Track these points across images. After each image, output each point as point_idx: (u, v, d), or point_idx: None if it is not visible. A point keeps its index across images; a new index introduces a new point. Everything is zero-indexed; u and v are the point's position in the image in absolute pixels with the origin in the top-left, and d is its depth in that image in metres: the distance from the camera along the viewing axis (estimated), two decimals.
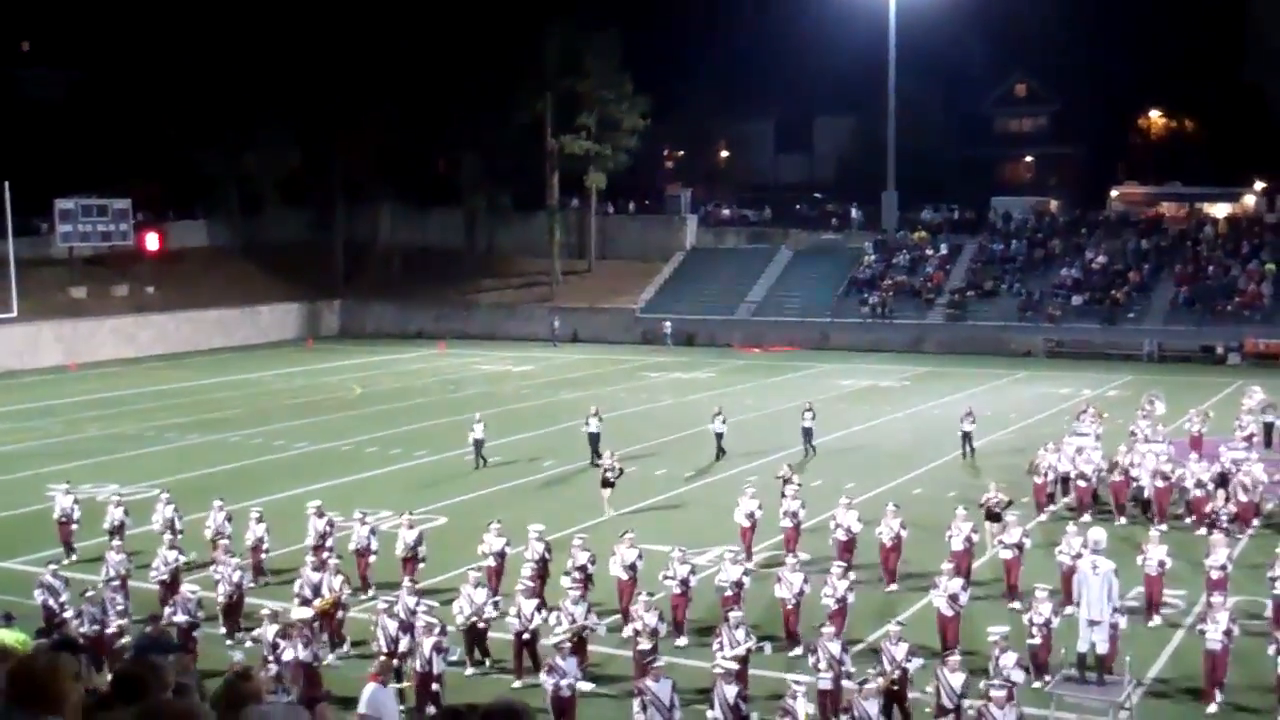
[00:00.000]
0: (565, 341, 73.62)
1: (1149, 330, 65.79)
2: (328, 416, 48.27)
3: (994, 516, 26.91)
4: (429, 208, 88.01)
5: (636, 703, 16.69)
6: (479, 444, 37.69)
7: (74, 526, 28.11)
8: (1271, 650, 19.11)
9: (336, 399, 53.30)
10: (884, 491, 33.60)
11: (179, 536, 26.39)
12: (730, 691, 16.87)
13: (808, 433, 39.28)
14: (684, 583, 22.66)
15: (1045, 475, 31.45)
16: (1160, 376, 57.49)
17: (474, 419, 38.59)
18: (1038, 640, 20.08)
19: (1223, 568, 23.22)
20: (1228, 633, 19.51)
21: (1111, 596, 19.65)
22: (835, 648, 18.46)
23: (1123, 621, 20.05)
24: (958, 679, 17.58)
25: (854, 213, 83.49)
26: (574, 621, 19.95)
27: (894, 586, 25.44)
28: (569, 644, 18.75)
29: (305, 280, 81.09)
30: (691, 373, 60.57)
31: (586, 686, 18.49)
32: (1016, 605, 22.95)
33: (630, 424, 45.08)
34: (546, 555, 24.21)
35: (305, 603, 21.70)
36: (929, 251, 76.21)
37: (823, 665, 18.33)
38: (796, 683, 16.78)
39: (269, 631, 19.52)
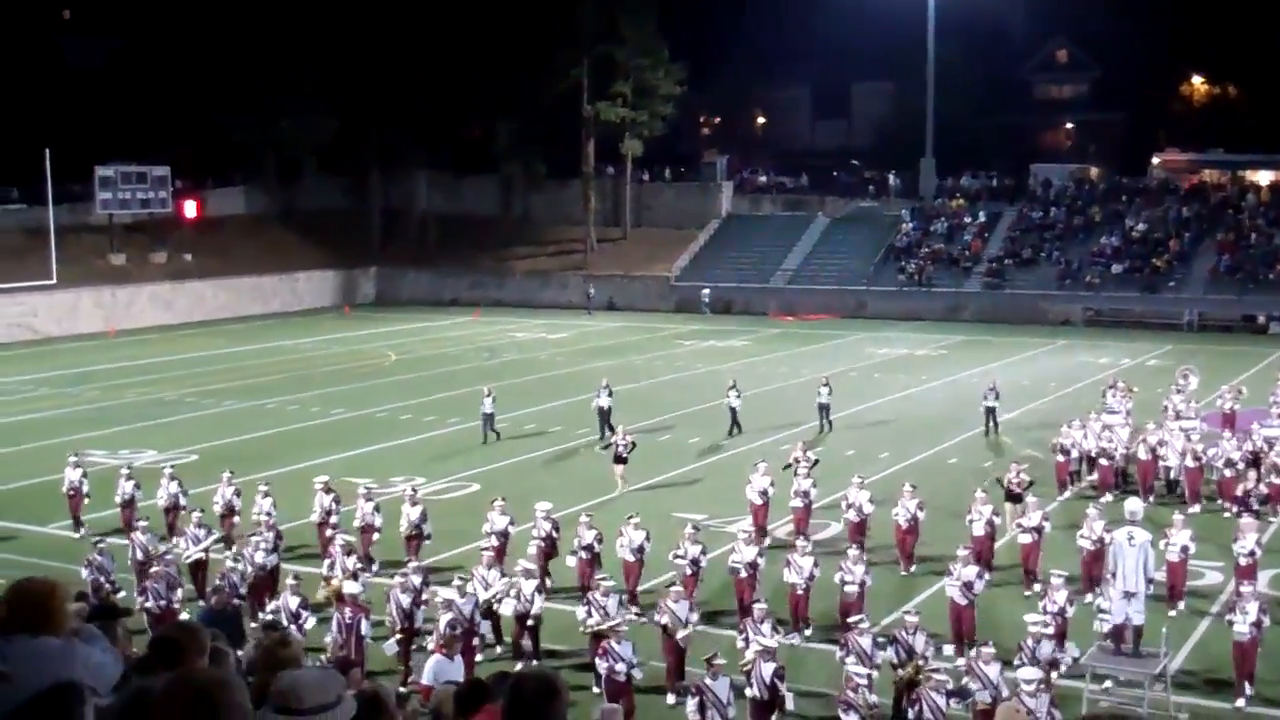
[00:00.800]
0: (600, 309, 73.59)
1: (1189, 299, 65.17)
2: (363, 383, 48.44)
3: (1014, 497, 26.11)
4: (464, 175, 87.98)
5: (694, 702, 16.15)
6: (489, 418, 36.74)
7: (85, 500, 27.67)
8: None
9: (372, 366, 53.50)
10: (918, 461, 33.57)
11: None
12: (768, 670, 16.67)
13: (824, 408, 38.44)
14: (695, 562, 22.18)
15: (1069, 453, 30.54)
16: (1200, 346, 57.14)
17: (484, 392, 37.77)
18: (1050, 630, 19.02)
19: (1251, 554, 22.23)
20: (1257, 624, 18.74)
21: (1148, 568, 19.49)
22: (866, 642, 17.70)
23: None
24: (993, 670, 16.65)
25: (892, 180, 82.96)
26: (606, 615, 18.98)
27: (911, 569, 24.60)
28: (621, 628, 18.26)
29: (342, 248, 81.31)
30: (726, 341, 60.45)
31: (638, 674, 17.95)
32: (1035, 589, 22.10)
33: (661, 392, 45.13)
34: (554, 534, 23.79)
35: (353, 577, 21.32)
36: (967, 219, 75.70)
37: (850, 661, 17.38)
38: (858, 674, 16.37)
39: (291, 601, 19.47)
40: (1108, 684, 18.66)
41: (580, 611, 19.53)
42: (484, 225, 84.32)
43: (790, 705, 16.83)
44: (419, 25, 78.57)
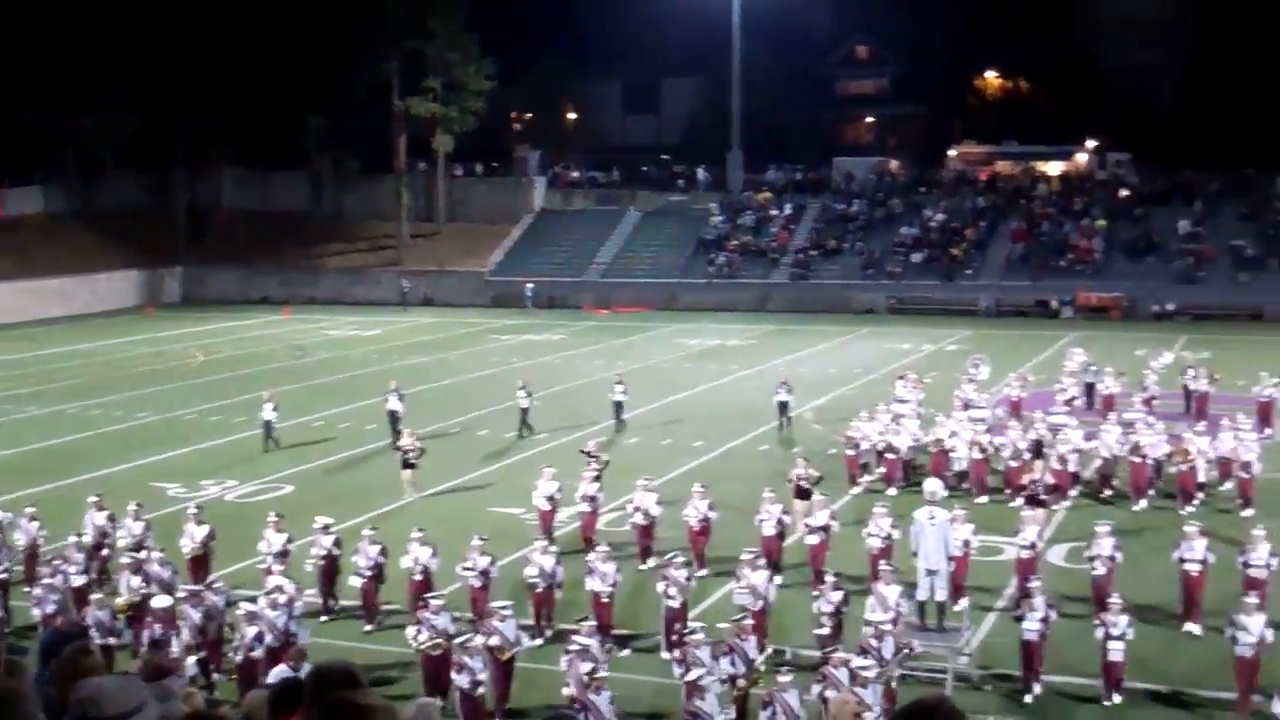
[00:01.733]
0: (416, 305, 73.30)
1: (986, 286, 67.67)
2: (170, 385, 47.50)
3: (803, 494, 25.46)
4: (274, 171, 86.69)
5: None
6: (268, 425, 35.16)
7: None
8: (1099, 634, 18.53)
9: (179, 367, 52.48)
10: (729, 450, 34.30)
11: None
12: (584, 668, 16.42)
13: (618, 406, 37.51)
14: (484, 574, 21.01)
15: (859, 446, 30.27)
16: (997, 331, 59.46)
17: (263, 398, 36.36)
18: (825, 630, 18.97)
19: (1031, 546, 22.25)
20: (1045, 619, 18.70)
21: (948, 546, 20.31)
22: (705, 653, 16.85)
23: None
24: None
25: (700, 174, 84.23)
26: (437, 631, 18.08)
27: (703, 572, 23.42)
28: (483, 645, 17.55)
29: (145, 246, 79.32)
30: (542, 335, 60.79)
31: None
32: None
33: (474, 388, 45.15)
34: (334, 550, 22.56)
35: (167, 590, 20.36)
36: (773, 212, 77.32)
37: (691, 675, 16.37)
38: (708, 683, 16.07)
39: (101, 614, 19.12)
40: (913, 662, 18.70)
41: (410, 631, 18.62)
42: (294, 222, 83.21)
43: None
44: (225, 18, 77.10)
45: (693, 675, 16.13)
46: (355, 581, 21.80)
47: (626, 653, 19.08)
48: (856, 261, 71.30)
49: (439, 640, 18.01)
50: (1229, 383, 37.95)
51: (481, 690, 17.08)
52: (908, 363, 46.23)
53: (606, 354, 53.74)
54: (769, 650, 18.15)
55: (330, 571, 22.50)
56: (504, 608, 18.58)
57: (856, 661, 16.19)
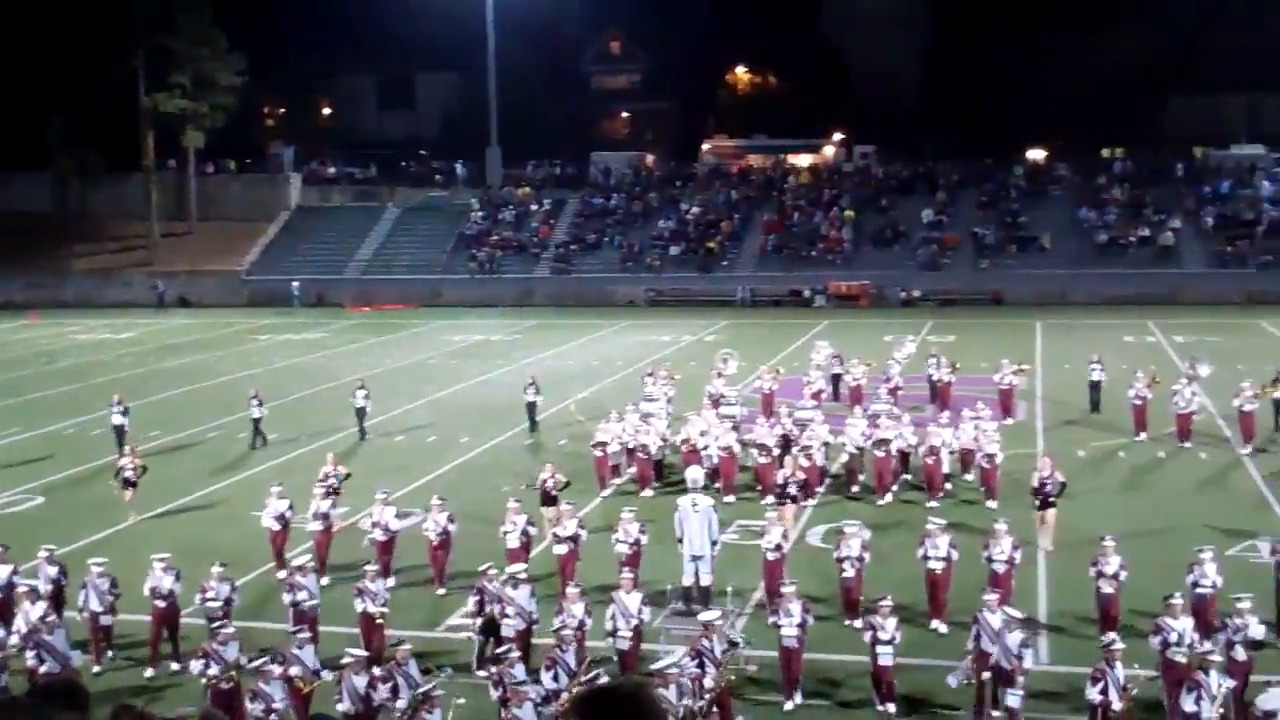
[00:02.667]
0: (171, 306, 71.64)
1: (742, 277, 69.63)
2: None
3: (550, 500, 24.51)
4: (14, 170, 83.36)
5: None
6: None
7: None
8: (866, 638, 17.91)
9: None
10: (496, 445, 34.64)
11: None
12: (360, 683, 16.29)
13: (360, 413, 35.57)
14: (228, 601, 19.71)
15: (606, 448, 28.94)
16: (754, 320, 61.36)
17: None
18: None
19: (777, 548, 21.21)
20: (802, 624, 17.99)
21: (712, 531, 21.01)
22: (520, 671, 16.30)
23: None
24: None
25: (459, 169, 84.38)
26: (226, 662, 17.28)
27: (441, 591, 22.40)
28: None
29: None
30: (302, 334, 60.16)
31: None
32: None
33: (224, 393, 43.52)
34: (62, 580, 20.87)
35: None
36: (533, 207, 77.94)
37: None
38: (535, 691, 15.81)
39: None
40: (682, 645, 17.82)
41: (197, 665, 17.44)
42: (38, 223, 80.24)
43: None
44: None
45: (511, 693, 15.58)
46: (82, 615, 19.93)
47: (448, 673, 17.38)
48: (616, 255, 72.49)
49: (231, 674, 17.21)
50: (973, 365, 39.61)
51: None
52: (662, 356, 47.06)
53: (368, 353, 53.51)
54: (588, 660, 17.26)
55: (59, 601, 20.46)
56: (298, 630, 17.89)
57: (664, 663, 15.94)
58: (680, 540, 20.95)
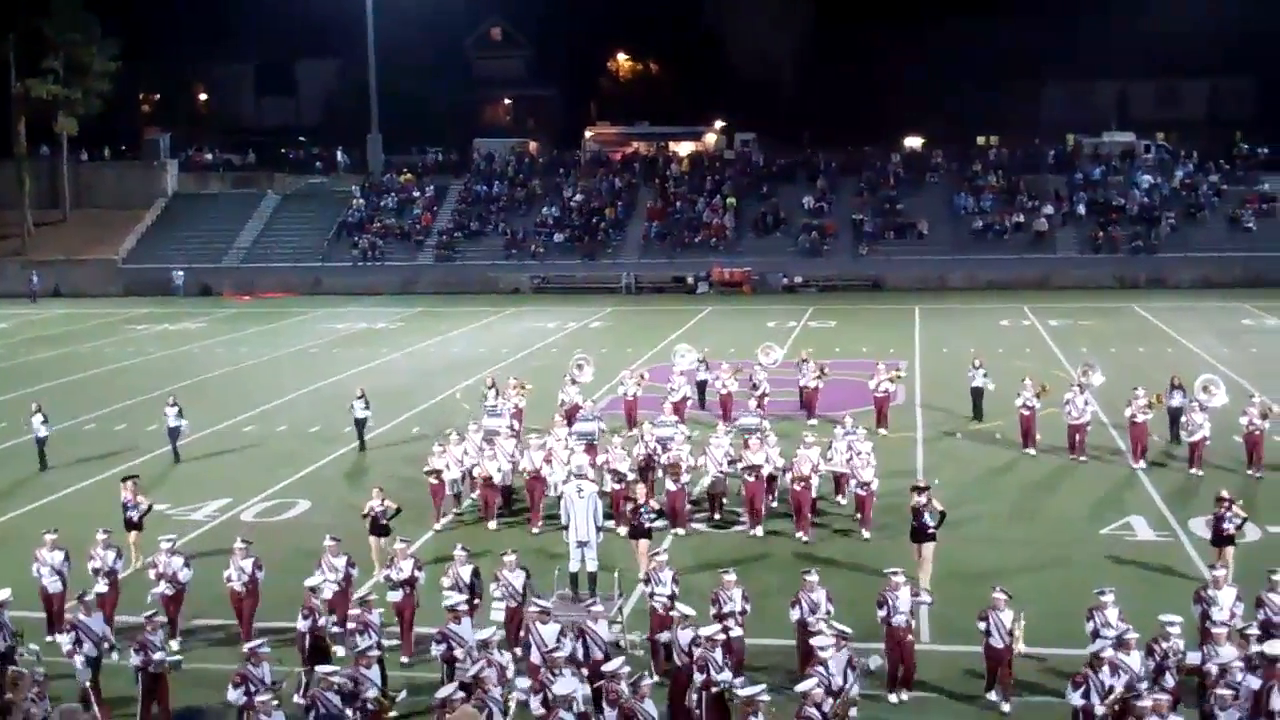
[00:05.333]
0: (45, 296, 70.21)
1: (625, 264, 69.94)
2: None
3: (381, 530, 22.41)
4: None
5: None
6: None
7: None
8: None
9: None
10: (385, 431, 34.47)
11: None
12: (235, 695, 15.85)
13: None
14: (112, 571, 19.61)
15: (440, 476, 25.53)
16: (638, 307, 61.77)
17: None
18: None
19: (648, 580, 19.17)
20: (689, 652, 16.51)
21: (596, 517, 20.93)
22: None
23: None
24: None
25: (340, 156, 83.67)
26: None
27: (248, 646, 16.95)
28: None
29: None
30: (180, 324, 59.31)
31: None
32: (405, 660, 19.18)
33: (99, 386, 43.25)
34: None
35: None
36: (416, 194, 77.53)
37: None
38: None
39: None
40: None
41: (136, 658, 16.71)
42: None
43: None
44: None
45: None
46: None
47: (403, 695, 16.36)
48: (500, 242, 72.37)
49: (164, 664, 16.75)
50: (854, 350, 40.16)
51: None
52: (549, 343, 47.04)
53: (249, 341, 52.95)
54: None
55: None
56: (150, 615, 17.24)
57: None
58: (566, 527, 20.88)
